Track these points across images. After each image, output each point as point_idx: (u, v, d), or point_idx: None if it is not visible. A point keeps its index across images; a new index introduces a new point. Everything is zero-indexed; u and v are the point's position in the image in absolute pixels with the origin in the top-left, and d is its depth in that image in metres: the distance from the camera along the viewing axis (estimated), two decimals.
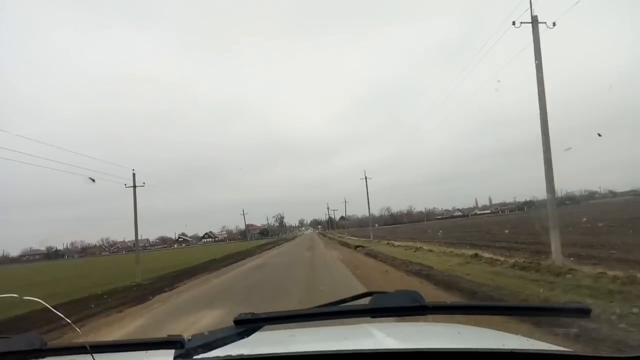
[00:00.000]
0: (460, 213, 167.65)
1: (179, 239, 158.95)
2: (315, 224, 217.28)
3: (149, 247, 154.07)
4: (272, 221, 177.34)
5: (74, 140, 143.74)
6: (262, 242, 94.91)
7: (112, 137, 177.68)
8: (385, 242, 36.48)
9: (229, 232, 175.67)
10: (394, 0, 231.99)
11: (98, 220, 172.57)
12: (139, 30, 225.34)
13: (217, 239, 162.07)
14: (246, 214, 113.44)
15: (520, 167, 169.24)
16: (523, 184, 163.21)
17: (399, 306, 1.22)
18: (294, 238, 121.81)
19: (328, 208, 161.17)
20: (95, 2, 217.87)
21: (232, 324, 1.25)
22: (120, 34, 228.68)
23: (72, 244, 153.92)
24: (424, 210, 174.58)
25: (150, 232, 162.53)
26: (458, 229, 54.13)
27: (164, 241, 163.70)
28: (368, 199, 55.81)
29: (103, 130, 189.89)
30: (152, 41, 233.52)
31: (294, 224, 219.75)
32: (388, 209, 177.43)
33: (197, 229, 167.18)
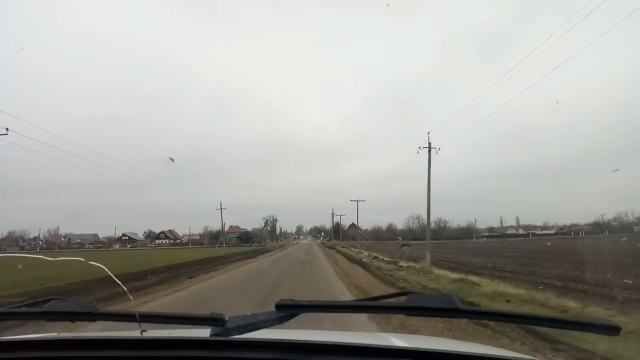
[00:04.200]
0: (521, 231, 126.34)
1: (123, 238, 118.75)
2: (315, 231, 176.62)
3: (76, 246, 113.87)
4: (262, 224, 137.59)
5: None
6: (223, 252, 56.02)
7: (91, 117, 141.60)
8: None
9: (206, 233, 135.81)
10: None
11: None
12: None
13: (179, 240, 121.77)
14: (225, 208, 73.61)
15: (553, 189, 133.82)
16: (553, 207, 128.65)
17: (433, 307, 1.26)
18: (282, 247, 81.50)
19: (333, 214, 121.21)
20: None
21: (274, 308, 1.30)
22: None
23: None
24: (466, 225, 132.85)
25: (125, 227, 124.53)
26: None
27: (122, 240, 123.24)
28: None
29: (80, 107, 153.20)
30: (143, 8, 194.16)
31: (290, 231, 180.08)
32: (418, 218, 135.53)
33: (170, 227, 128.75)
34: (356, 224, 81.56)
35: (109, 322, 1.46)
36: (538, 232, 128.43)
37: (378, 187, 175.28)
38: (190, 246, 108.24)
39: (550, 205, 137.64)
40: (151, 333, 1.39)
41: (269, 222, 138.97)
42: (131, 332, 1.42)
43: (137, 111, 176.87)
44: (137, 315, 1.27)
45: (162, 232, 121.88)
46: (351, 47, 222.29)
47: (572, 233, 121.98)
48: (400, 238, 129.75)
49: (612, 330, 1.17)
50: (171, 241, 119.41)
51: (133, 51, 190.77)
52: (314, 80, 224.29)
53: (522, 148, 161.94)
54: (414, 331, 5.47)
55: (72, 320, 1.38)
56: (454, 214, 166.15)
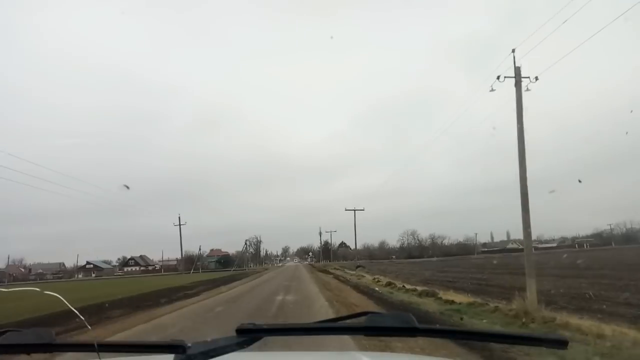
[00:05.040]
0: (516, 245, 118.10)
1: (87, 267, 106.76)
2: (302, 252, 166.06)
3: (33, 277, 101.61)
4: (246, 247, 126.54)
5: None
6: (183, 281, 47.05)
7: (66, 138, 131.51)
8: None
9: (184, 258, 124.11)
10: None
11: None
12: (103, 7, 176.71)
13: (152, 267, 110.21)
14: (184, 224, 63.83)
15: (542, 203, 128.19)
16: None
17: (391, 326, 1.27)
18: (264, 270, 71.21)
19: (321, 233, 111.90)
20: None
21: (234, 333, 1.28)
22: (80, 13, 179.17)
23: None
24: (463, 240, 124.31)
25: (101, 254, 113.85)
26: None
27: (86, 269, 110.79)
28: None
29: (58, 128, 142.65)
30: (124, 24, 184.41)
31: (276, 252, 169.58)
32: (414, 234, 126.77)
33: (150, 252, 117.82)
34: (354, 237, 72.04)
35: (68, 353, 1.39)
36: (539, 245, 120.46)
37: (367, 204, 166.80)
38: (162, 273, 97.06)
39: (540, 218, 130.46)
40: None
41: (250, 244, 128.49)
42: None
43: (118, 131, 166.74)
44: (95, 345, 1.21)
45: (131, 259, 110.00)
46: (342, 62, 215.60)
47: (577, 245, 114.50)
48: (394, 257, 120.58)
49: (560, 344, 1.20)
50: (142, 268, 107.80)
51: (113, 67, 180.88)
52: (303, 96, 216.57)
53: (510, 162, 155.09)
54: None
55: (28, 353, 1.30)
56: (440, 229, 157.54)
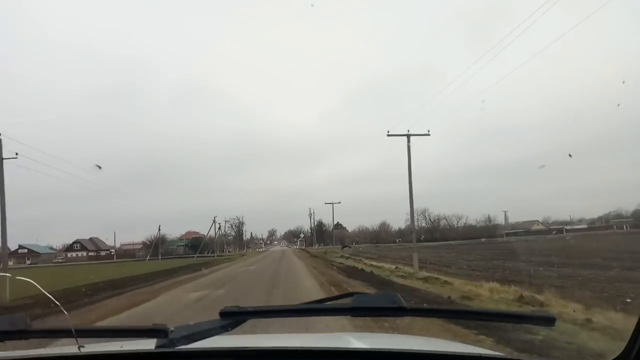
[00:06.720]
0: (542, 227, 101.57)
1: (20, 252, 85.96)
2: (291, 236, 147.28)
3: None
4: (218, 227, 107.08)
5: None
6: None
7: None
8: None
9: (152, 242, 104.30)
10: None
11: None
12: None
13: (106, 252, 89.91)
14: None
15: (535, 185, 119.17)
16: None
17: (378, 306, 1.25)
18: (241, 257, 52.21)
19: (311, 214, 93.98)
20: None
21: (218, 316, 1.25)
22: None
23: None
24: (479, 221, 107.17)
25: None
26: None
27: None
28: None
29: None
30: None
31: (262, 236, 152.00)
32: (424, 213, 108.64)
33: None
34: (350, 218, 53.71)
35: (44, 340, 1.29)
36: (568, 227, 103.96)
37: (359, 187, 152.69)
38: (114, 260, 77.22)
39: (535, 200, 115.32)
40: (90, 348, 1.30)
41: (232, 226, 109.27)
42: (68, 347, 1.30)
43: (90, 111, 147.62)
44: (73, 330, 1.15)
45: (76, 242, 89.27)
46: (330, 38, 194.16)
47: (615, 227, 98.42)
48: (399, 240, 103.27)
49: (548, 321, 1.18)
50: (91, 253, 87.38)
51: (74, 42, 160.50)
52: (290, 73, 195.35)
53: (506, 142, 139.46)
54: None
55: (2, 340, 1.22)
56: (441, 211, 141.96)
